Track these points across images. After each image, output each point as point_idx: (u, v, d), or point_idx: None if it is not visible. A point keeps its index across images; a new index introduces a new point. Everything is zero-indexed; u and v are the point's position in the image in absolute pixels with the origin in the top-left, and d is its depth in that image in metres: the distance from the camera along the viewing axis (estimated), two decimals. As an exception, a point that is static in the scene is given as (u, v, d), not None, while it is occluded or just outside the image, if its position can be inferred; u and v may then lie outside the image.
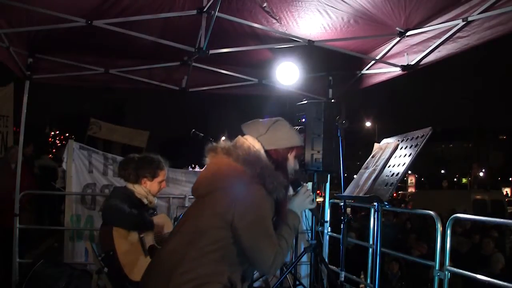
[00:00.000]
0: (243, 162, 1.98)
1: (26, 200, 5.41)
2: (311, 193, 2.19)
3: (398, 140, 2.78)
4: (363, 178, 2.75)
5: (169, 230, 3.50)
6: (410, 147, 2.71)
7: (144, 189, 3.36)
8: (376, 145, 2.91)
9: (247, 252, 1.94)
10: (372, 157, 2.84)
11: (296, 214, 2.13)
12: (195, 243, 1.92)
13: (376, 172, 2.66)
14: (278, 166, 2.04)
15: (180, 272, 1.88)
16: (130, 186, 3.35)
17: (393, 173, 2.66)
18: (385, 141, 2.95)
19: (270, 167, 2.00)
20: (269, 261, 1.93)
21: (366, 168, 2.81)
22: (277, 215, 2.04)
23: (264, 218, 1.95)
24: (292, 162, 2.12)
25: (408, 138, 2.82)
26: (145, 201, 3.35)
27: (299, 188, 2.18)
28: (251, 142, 2.06)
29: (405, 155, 2.69)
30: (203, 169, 2.18)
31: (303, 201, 2.16)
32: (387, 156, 2.71)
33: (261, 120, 2.17)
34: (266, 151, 2.06)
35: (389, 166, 2.70)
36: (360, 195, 2.73)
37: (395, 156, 2.73)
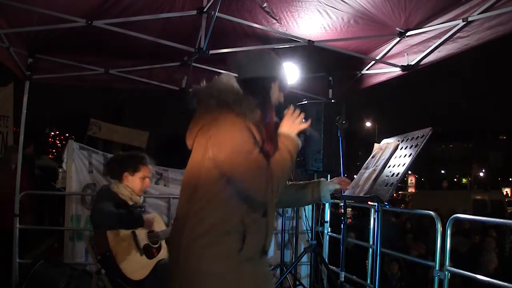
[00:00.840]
0: (209, 98, 1.93)
1: (28, 201, 5.41)
2: (301, 114, 2.03)
3: (398, 140, 2.78)
4: (363, 178, 2.74)
5: (161, 227, 3.51)
6: (410, 147, 2.71)
7: (127, 188, 3.33)
8: (376, 145, 2.91)
9: (236, 185, 1.82)
10: (372, 157, 2.83)
11: (289, 136, 1.97)
12: (193, 194, 1.88)
13: (376, 172, 2.66)
14: (257, 94, 1.95)
15: (188, 228, 1.84)
16: (115, 187, 3.33)
17: (393, 173, 2.65)
18: (385, 141, 2.95)
19: (235, 91, 1.93)
20: (261, 186, 1.78)
21: (366, 168, 2.80)
22: (265, 140, 1.91)
23: (241, 143, 1.82)
24: (276, 93, 2.05)
25: (408, 138, 2.82)
26: (130, 202, 3.33)
27: (285, 111, 2.05)
28: (222, 77, 2.03)
29: (405, 155, 2.69)
30: None
31: (292, 123, 2.00)
32: (387, 156, 2.71)
33: (251, 51, 2.15)
34: (241, 80, 2.01)
35: (389, 166, 2.70)
36: (361, 195, 2.73)
37: (395, 156, 2.73)
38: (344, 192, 2.52)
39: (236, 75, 2.07)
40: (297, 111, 2.04)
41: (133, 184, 3.35)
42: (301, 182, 2.41)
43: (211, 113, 1.91)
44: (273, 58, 2.09)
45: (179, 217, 1.94)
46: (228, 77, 2.02)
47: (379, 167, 2.65)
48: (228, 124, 1.86)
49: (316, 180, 2.40)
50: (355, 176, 2.88)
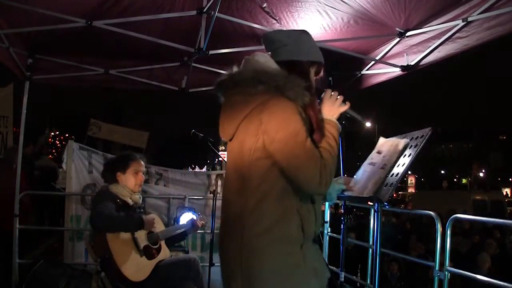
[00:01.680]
0: (253, 84, 1.81)
1: (28, 201, 5.40)
2: (337, 95, 1.96)
3: (408, 138, 2.74)
4: (368, 176, 2.70)
5: (160, 228, 3.51)
6: (410, 148, 2.70)
7: (125, 187, 3.36)
8: (382, 140, 2.86)
9: (290, 175, 1.73)
10: (378, 152, 2.78)
11: (331, 120, 1.89)
12: (244, 186, 1.79)
13: (385, 171, 2.61)
14: (304, 77, 1.88)
15: (248, 225, 1.75)
16: (113, 188, 3.35)
17: (393, 174, 2.65)
18: (392, 139, 2.91)
19: (284, 74, 1.82)
20: (315, 177, 1.69)
21: (371, 164, 2.76)
22: (314, 127, 1.84)
23: (295, 131, 1.71)
24: (312, 77, 1.98)
25: (408, 138, 2.81)
26: (130, 201, 3.36)
27: (322, 95, 1.99)
28: (258, 59, 1.90)
29: (405, 155, 2.68)
30: (222, 109, 1.99)
31: (331, 105, 1.93)
32: (397, 155, 2.66)
33: (285, 30, 2.08)
34: (284, 62, 1.90)
35: (397, 166, 2.67)
36: (365, 195, 2.71)
37: (404, 155, 2.68)
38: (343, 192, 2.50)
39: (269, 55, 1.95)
40: (335, 93, 1.97)
41: (127, 182, 3.37)
42: None
43: (260, 98, 1.79)
44: (313, 41, 2.01)
45: (233, 212, 1.84)
46: (265, 58, 1.91)
47: (388, 166, 2.62)
48: (281, 110, 1.75)
49: None
50: (355, 177, 2.87)
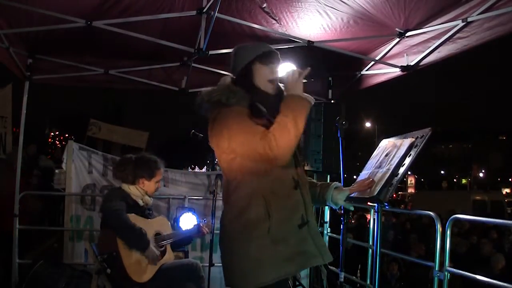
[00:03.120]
0: (203, 102, 2.14)
1: (29, 201, 5.40)
2: (296, 71, 2.10)
3: (413, 137, 2.72)
4: (375, 178, 2.69)
5: (167, 231, 3.51)
6: (415, 147, 2.69)
7: (141, 190, 3.38)
8: (387, 142, 2.84)
9: (243, 156, 1.99)
10: (386, 155, 2.77)
11: (291, 95, 2.05)
12: (227, 186, 2.09)
13: (390, 171, 2.61)
14: (246, 84, 2.12)
15: (224, 214, 2.09)
16: (126, 187, 3.36)
17: (393, 174, 2.64)
18: (393, 139, 2.90)
19: (226, 88, 2.10)
20: (257, 146, 1.92)
21: (379, 167, 2.75)
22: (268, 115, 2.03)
23: (240, 124, 1.98)
24: (260, 74, 2.13)
25: (413, 138, 2.80)
26: (141, 202, 3.37)
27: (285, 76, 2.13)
28: (220, 80, 2.22)
29: (410, 155, 2.67)
30: None
31: (292, 81, 2.08)
32: (401, 155, 2.65)
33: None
34: (237, 77, 2.17)
35: (403, 165, 2.65)
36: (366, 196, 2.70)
37: (409, 155, 2.66)
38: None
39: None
40: (295, 71, 2.11)
41: (148, 188, 3.43)
42: (317, 182, 2.44)
43: (211, 114, 2.10)
44: (242, 47, 2.22)
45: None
46: (224, 79, 2.22)
47: (393, 166, 2.61)
48: (226, 117, 2.02)
49: (328, 182, 2.40)
50: (354, 177, 2.87)
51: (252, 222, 1.94)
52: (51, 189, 6.54)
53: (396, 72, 4.48)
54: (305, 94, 2.07)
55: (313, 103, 2.08)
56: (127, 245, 3.12)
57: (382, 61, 4.55)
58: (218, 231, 4.04)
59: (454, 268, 3.17)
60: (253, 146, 1.93)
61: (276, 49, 2.23)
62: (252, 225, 1.94)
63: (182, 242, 3.71)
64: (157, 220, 3.50)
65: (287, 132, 1.92)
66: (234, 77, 2.20)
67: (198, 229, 3.71)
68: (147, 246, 3.15)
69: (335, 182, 2.38)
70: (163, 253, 3.37)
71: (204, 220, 3.89)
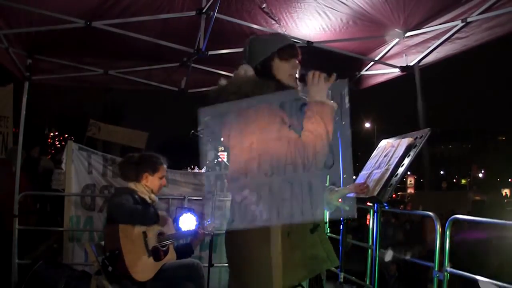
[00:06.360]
0: (230, 94, 2.01)
1: (29, 202, 5.39)
2: (320, 75, 2.05)
3: (413, 138, 2.73)
4: (375, 179, 2.69)
5: (170, 231, 3.52)
6: (414, 148, 2.69)
7: (146, 187, 3.38)
8: (386, 142, 2.85)
9: (267, 162, 1.90)
10: (385, 156, 2.78)
11: (319, 102, 2.00)
12: (240, 183, 1.98)
13: (389, 172, 2.61)
14: (268, 77, 2.04)
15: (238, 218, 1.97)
16: (132, 185, 3.38)
17: (393, 174, 2.65)
18: (392, 139, 2.90)
19: (246, 80, 2.01)
20: (282, 157, 1.87)
21: (378, 167, 2.75)
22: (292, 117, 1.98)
23: (266, 125, 1.91)
24: (282, 66, 2.08)
25: (412, 138, 2.80)
26: (148, 200, 3.38)
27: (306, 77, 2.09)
28: (239, 71, 2.10)
29: (409, 155, 2.68)
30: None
31: (316, 86, 2.03)
32: (400, 154, 2.66)
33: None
34: (255, 70, 2.08)
35: (402, 165, 2.65)
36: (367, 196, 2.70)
37: (409, 155, 2.67)
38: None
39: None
40: (316, 73, 2.06)
41: (152, 184, 3.42)
42: None
43: (236, 108, 1.97)
44: (257, 40, 2.16)
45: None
46: (245, 69, 2.10)
47: (392, 166, 2.62)
48: (252, 114, 1.93)
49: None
50: (354, 177, 2.87)
51: (274, 226, 1.89)
52: (50, 189, 6.53)
53: (396, 72, 4.49)
54: (328, 100, 2.03)
55: (336, 108, 2.05)
56: (140, 223, 3.18)
57: (381, 61, 4.55)
58: (218, 231, 4.02)
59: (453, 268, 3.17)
60: (283, 152, 1.87)
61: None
62: (274, 229, 1.89)
63: (186, 253, 3.69)
64: (160, 219, 3.50)
65: (320, 140, 1.91)
66: (253, 67, 2.10)
67: (196, 233, 3.71)
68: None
69: (330, 186, 2.37)
70: (165, 252, 3.38)
71: (208, 221, 3.89)
